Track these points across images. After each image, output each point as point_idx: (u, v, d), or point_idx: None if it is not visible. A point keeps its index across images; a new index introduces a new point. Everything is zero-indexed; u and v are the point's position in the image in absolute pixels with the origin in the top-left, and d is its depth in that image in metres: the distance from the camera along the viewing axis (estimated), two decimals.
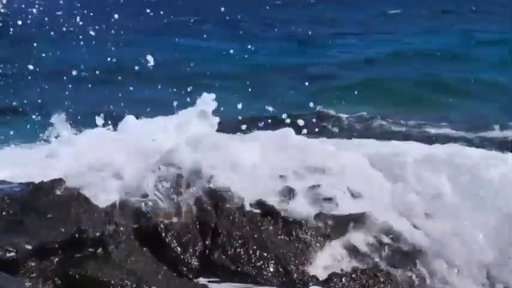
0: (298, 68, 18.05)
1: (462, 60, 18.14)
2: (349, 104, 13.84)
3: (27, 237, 4.16)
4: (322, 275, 4.37)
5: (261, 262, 4.27)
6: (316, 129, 11.93)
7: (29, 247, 4.12)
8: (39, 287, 4.01)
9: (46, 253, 4.13)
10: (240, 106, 12.74)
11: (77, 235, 4.25)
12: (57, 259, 4.14)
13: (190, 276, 4.33)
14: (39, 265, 4.09)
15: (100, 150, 5.07)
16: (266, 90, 15.31)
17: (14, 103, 13.18)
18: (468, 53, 19.18)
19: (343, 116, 13.33)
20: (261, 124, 11.28)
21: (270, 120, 11.60)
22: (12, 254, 4.07)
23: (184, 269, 4.39)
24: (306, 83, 15.31)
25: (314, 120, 12.81)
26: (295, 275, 4.25)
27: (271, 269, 4.24)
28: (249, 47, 21.50)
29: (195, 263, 4.41)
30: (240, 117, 10.81)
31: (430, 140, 11.15)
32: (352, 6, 32.09)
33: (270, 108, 12.88)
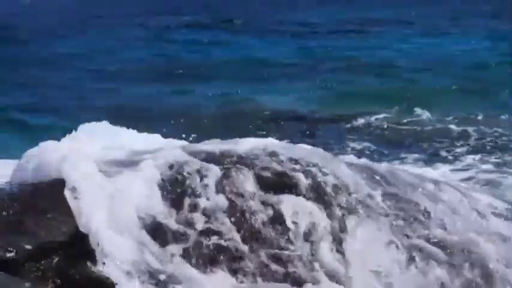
0: (316, 71, 18.20)
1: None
2: (370, 107, 13.96)
3: (27, 237, 4.22)
4: None
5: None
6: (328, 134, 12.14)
7: (29, 247, 4.19)
8: (39, 287, 4.08)
9: (46, 253, 4.21)
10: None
11: (77, 235, 4.34)
12: (57, 259, 4.21)
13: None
14: (39, 265, 4.16)
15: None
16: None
17: None
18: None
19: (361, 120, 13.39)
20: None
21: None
22: (12, 254, 4.13)
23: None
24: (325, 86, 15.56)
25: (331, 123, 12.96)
26: None
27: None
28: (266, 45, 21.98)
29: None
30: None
31: None
32: (365, 7, 32.18)
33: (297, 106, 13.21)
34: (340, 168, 4.97)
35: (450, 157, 10.56)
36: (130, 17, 30.94)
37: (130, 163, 4.83)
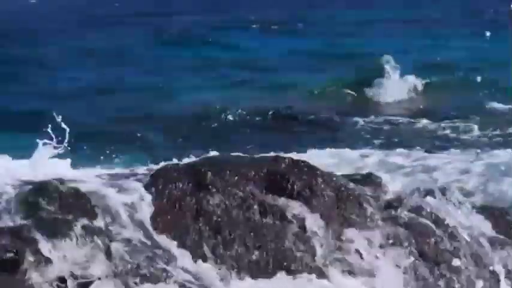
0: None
1: None
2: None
3: (27, 237, 4.35)
4: None
5: None
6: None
7: (29, 247, 4.31)
8: None
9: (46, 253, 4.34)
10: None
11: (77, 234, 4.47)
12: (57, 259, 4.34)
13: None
14: (39, 265, 4.29)
15: None
16: None
17: None
18: None
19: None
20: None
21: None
22: (12, 254, 4.26)
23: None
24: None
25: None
26: None
27: None
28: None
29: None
30: None
31: None
32: (384, 8, 32.11)
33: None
34: None
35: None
36: (141, 16, 31.17)
37: None
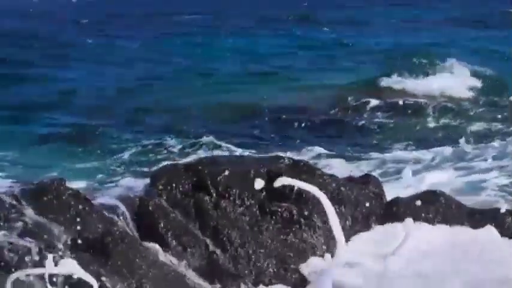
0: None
1: None
2: None
3: (27, 237, 4.45)
4: None
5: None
6: None
7: (29, 247, 4.41)
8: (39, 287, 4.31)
9: (46, 253, 4.44)
10: None
11: (77, 235, 4.58)
12: (57, 259, 4.44)
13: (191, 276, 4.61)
14: (39, 265, 4.39)
15: None
16: None
17: None
18: None
19: None
20: None
21: None
22: (12, 254, 4.36)
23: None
24: None
25: None
26: None
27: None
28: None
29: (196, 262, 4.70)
30: None
31: None
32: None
33: None
34: None
35: None
36: (151, 16, 31.33)
37: None
